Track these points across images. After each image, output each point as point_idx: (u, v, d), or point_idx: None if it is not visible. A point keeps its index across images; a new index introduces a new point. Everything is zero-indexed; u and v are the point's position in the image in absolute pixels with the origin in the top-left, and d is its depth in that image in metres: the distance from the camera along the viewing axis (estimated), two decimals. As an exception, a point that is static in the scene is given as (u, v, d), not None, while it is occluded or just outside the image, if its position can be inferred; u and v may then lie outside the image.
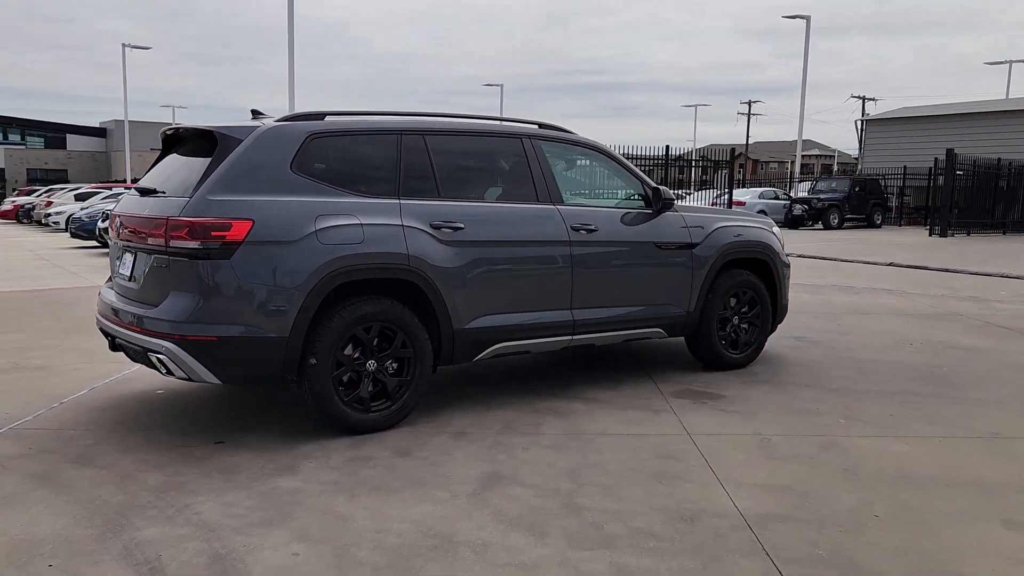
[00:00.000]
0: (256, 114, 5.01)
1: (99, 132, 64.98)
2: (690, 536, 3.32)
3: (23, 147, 61.43)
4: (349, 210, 4.51)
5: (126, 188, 21.98)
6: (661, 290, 5.73)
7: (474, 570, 3.02)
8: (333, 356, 4.45)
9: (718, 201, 29.56)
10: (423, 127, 4.96)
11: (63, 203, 27.85)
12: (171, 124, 4.97)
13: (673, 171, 19.51)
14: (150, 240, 4.37)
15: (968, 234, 24.42)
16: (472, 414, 5.00)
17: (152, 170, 4.96)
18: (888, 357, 6.72)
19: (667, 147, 18.35)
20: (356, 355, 4.56)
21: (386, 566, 3.05)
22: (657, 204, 5.68)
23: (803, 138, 34.21)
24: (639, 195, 5.80)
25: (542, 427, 4.77)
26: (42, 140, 64.53)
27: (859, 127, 35.76)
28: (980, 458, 4.27)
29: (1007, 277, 12.87)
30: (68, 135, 63.96)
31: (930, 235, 24.36)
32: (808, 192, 30.81)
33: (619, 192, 6.00)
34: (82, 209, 21.59)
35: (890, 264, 14.61)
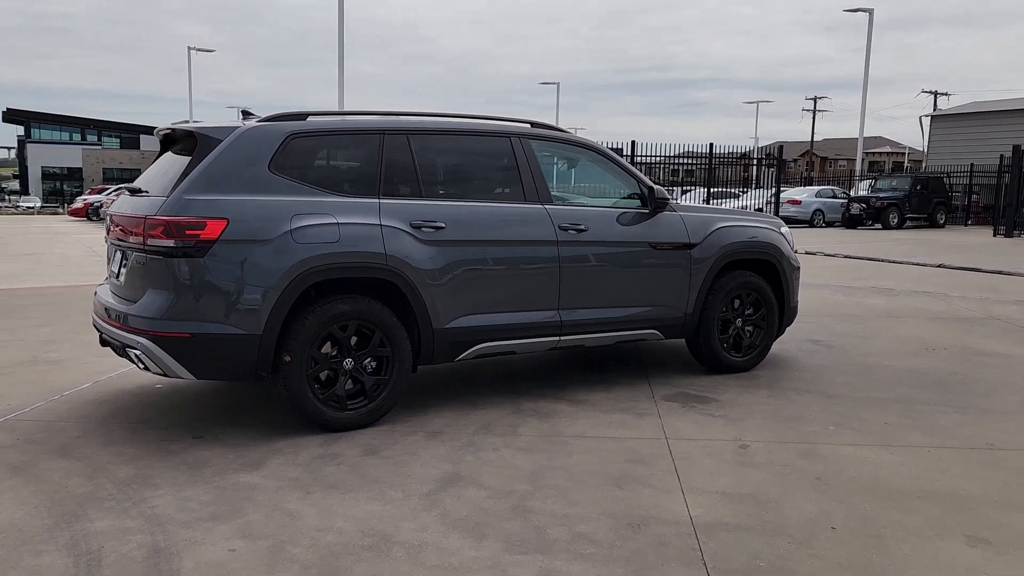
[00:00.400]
0: (246, 114, 5.09)
1: (170, 133, 66.79)
2: (631, 543, 3.26)
3: (99, 147, 63.73)
4: (325, 209, 4.54)
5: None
6: (656, 291, 5.64)
7: (401, 571, 3.02)
8: (308, 354, 4.49)
9: (773, 200, 29.02)
10: (406, 127, 4.97)
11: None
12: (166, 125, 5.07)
13: (721, 170, 19.13)
14: (131, 239, 4.48)
15: (1035, 235, 23.44)
16: (454, 414, 5.00)
17: (147, 170, 5.08)
18: (904, 363, 6.49)
19: (711, 145, 18.06)
20: (333, 353, 4.60)
21: (316, 564, 3.06)
22: (652, 204, 5.59)
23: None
24: (636, 195, 5.71)
25: (520, 428, 4.74)
26: (117, 140, 66.96)
27: (924, 123, 34.61)
28: (965, 470, 4.09)
29: (1062, 280, 12.30)
30: (142, 136, 66.10)
31: (994, 235, 23.46)
32: (868, 190, 29.98)
33: (620, 192, 5.91)
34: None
35: (939, 266, 14.12)
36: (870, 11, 31.68)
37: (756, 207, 26.37)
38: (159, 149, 5.26)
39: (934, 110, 47.85)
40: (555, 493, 3.77)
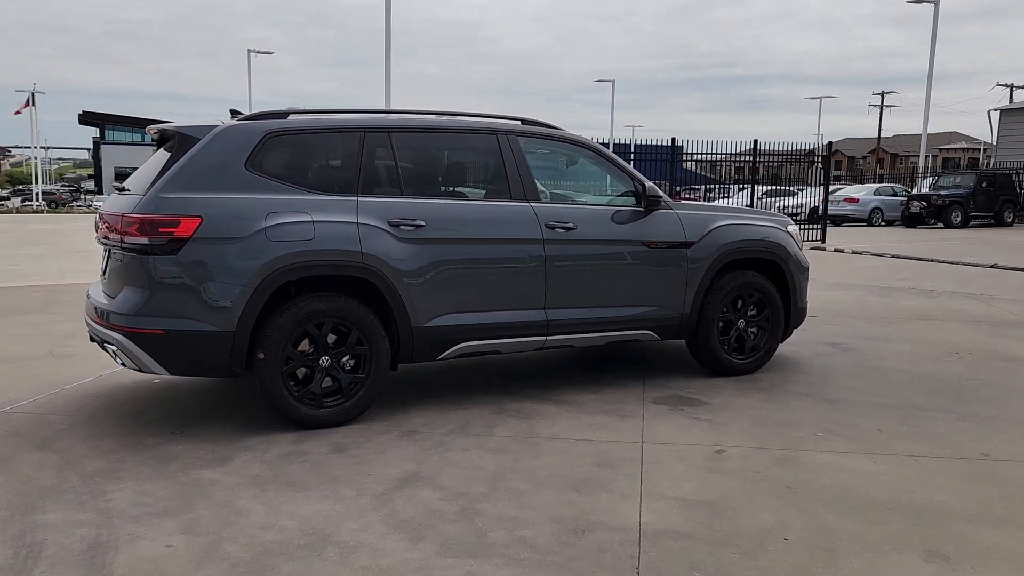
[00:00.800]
0: (235, 113, 5.14)
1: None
2: (569, 549, 3.18)
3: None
4: (301, 207, 4.56)
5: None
6: (650, 291, 5.52)
7: (328, 571, 3.00)
8: (283, 351, 4.51)
9: (829, 198, 28.22)
10: (389, 125, 4.96)
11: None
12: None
13: (768, 168, 18.65)
14: (111, 236, 4.56)
15: (1108, 234, 22.34)
16: (434, 413, 4.97)
17: (137, 169, 5.17)
18: (921, 368, 6.23)
19: (755, 141, 17.62)
20: (309, 351, 4.61)
21: (246, 562, 3.06)
22: (644, 201, 5.47)
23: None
24: (631, 192, 5.60)
25: (496, 429, 4.68)
26: (187, 141, 68.59)
27: (992, 117, 33.31)
28: (948, 481, 3.90)
29: (1121, 282, 11.68)
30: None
31: (1063, 235, 22.42)
32: (930, 188, 28.96)
33: (617, 190, 5.80)
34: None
35: (992, 266, 13.54)
36: (935, 2, 30.57)
37: (812, 205, 25.77)
38: (155, 148, 5.35)
39: (1011, 103, 45.98)
40: (510, 496, 3.70)
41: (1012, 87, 56.24)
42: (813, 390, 5.55)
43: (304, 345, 4.62)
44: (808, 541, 3.25)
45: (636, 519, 3.45)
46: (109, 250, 4.78)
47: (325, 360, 4.63)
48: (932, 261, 14.52)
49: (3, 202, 47.67)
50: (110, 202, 4.91)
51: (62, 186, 74.54)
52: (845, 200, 28.40)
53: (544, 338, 5.22)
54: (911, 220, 26.57)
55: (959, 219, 26.24)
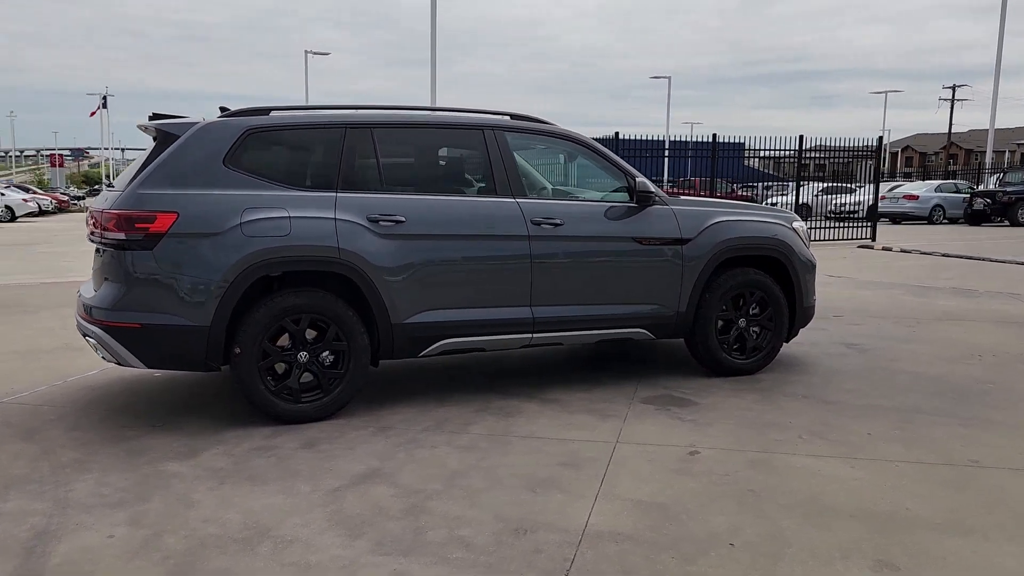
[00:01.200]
0: (223, 110, 5.19)
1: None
2: (505, 550, 3.11)
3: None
4: (278, 203, 4.57)
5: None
6: (643, 288, 5.40)
7: (255, 567, 2.99)
8: (259, 346, 4.54)
9: (888, 195, 27.42)
10: (371, 120, 4.95)
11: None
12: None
13: (816, 164, 18.19)
14: (95, 232, 4.65)
15: None
16: (416, 410, 4.94)
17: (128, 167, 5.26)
18: (936, 370, 5.97)
19: (800, 137, 17.16)
20: (287, 346, 4.63)
21: (177, 555, 3.08)
22: (634, 197, 5.36)
23: None
24: (625, 188, 5.49)
25: (473, 426, 4.64)
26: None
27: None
28: (924, 488, 3.71)
29: None
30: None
31: None
32: (996, 184, 27.88)
33: (612, 185, 5.69)
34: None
35: (1047, 265, 12.95)
36: (1003, -9, 29.45)
37: (870, 203, 25.04)
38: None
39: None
40: (463, 494, 3.66)
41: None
42: (812, 391, 5.36)
43: (284, 340, 4.65)
44: (754, 547, 3.13)
45: (583, 521, 3.37)
46: (96, 245, 4.87)
47: (303, 355, 4.64)
48: (983, 260, 13.97)
49: (78, 201, 49.42)
50: (99, 199, 5.01)
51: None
52: (904, 197, 27.52)
53: (530, 336, 5.15)
54: (974, 218, 25.65)
55: (1025, 217, 25.21)
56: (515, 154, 6.00)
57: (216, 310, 4.42)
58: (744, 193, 28.77)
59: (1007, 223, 25.33)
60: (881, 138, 17.62)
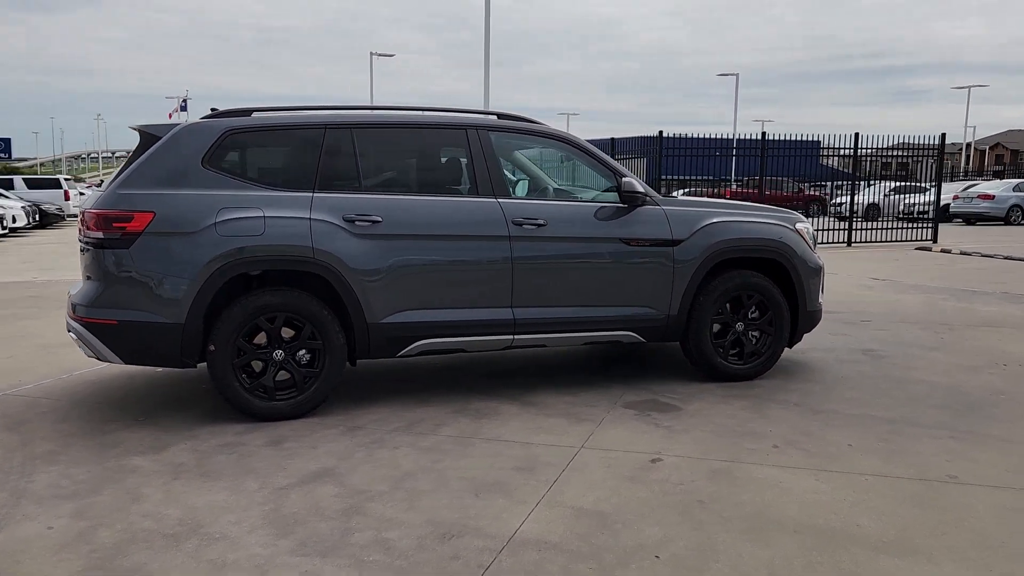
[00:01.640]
0: (213, 111, 5.28)
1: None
2: (424, 554, 3.08)
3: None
4: (253, 203, 4.63)
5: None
6: (631, 290, 5.29)
7: (172, 562, 3.02)
8: (234, 344, 4.60)
9: (961, 194, 26.33)
10: (351, 121, 4.97)
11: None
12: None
13: (870, 163, 17.55)
14: (81, 231, 4.78)
15: None
16: (392, 409, 4.94)
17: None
18: (949, 379, 5.69)
19: (856, 135, 16.58)
20: (264, 344, 4.68)
21: (105, 548, 3.13)
22: (620, 197, 5.25)
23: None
24: (614, 188, 5.38)
25: (443, 428, 4.61)
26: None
27: None
28: (886, 504, 3.53)
29: None
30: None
31: None
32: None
33: (603, 185, 5.59)
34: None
35: (1115, 269, 12.23)
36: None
37: (943, 203, 24.05)
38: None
39: None
40: (406, 497, 3.63)
41: None
42: (807, 399, 5.17)
43: (261, 338, 4.70)
44: (680, 560, 3.02)
45: (515, 527, 3.31)
46: None
47: (279, 354, 4.69)
48: (1046, 263, 13.27)
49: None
50: (87, 199, 5.15)
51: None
52: (979, 197, 26.39)
53: (511, 337, 5.10)
54: (1053, 219, 24.41)
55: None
56: (521, 154, 5.98)
57: (190, 308, 4.49)
58: (813, 192, 28.02)
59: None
60: (944, 135, 16.91)
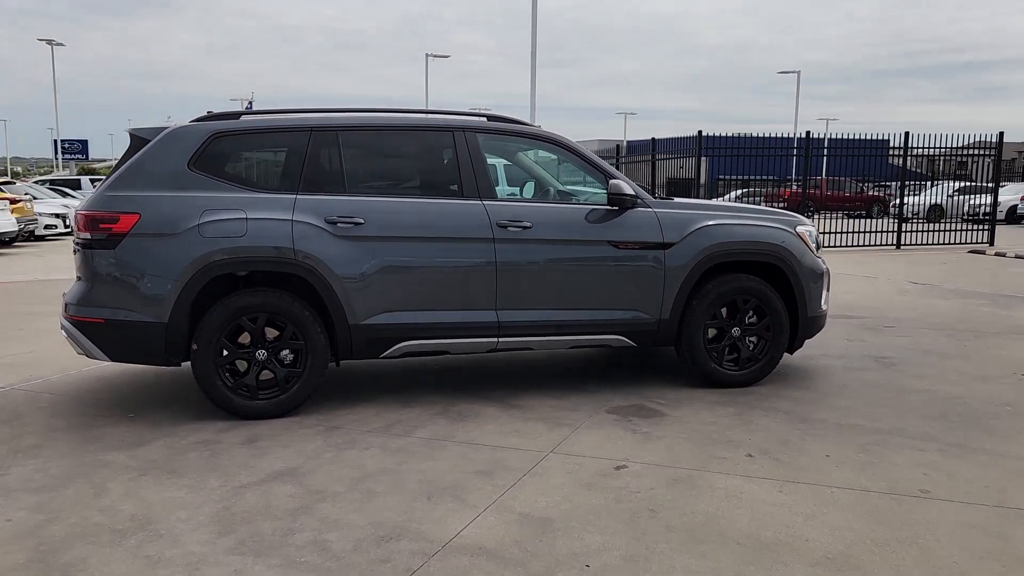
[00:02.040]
0: (209, 114, 5.38)
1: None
2: (356, 556, 3.09)
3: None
4: (237, 205, 4.71)
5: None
6: (620, 294, 5.22)
7: (110, 557, 3.09)
8: (217, 343, 4.69)
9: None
10: (337, 124, 5.01)
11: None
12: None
13: (919, 161, 16.98)
14: (74, 232, 4.93)
15: None
16: (376, 410, 4.98)
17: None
18: (958, 389, 5.47)
19: (906, 134, 16.07)
20: (247, 344, 4.76)
21: (52, 542, 3.21)
22: (608, 199, 5.18)
23: None
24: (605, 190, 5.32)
25: (419, 430, 4.62)
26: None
27: None
28: (842, 518, 3.41)
29: None
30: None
31: None
32: None
33: (595, 186, 5.54)
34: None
35: None
36: None
37: (1011, 204, 23.18)
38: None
39: None
40: (359, 498, 3.65)
41: None
42: (798, 407, 5.03)
43: (244, 338, 4.78)
44: (609, 570, 2.97)
45: (456, 532, 3.30)
46: None
47: (261, 353, 4.76)
48: (1103, 268, 12.67)
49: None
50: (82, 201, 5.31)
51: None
52: None
53: (496, 340, 5.08)
54: None
55: None
56: (525, 156, 5.96)
57: (173, 307, 4.59)
58: (875, 193, 27.25)
59: None
60: (1002, 133, 16.27)
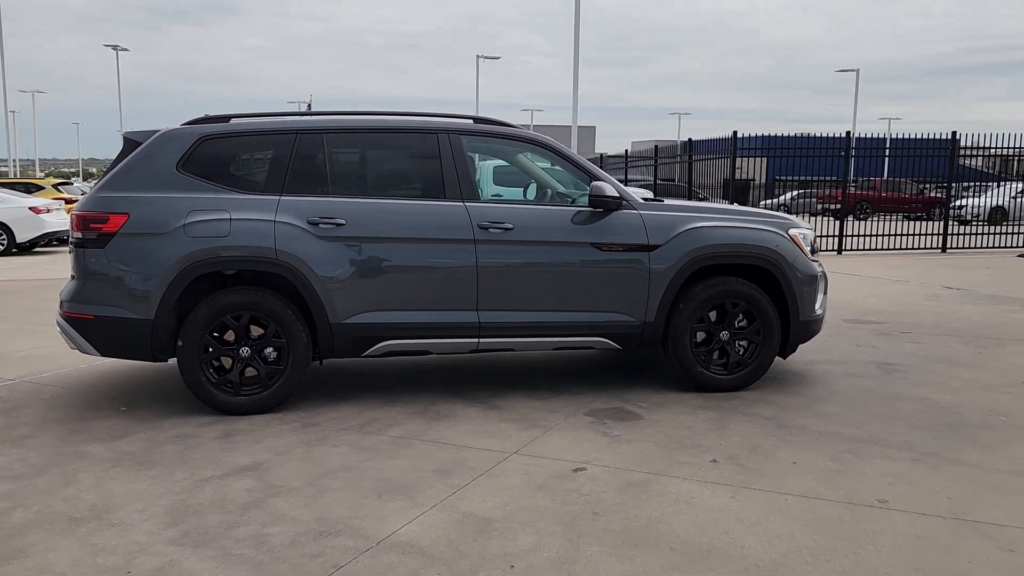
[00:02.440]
0: (204, 117, 5.52)
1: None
2: (289, 551, 3.16)
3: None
4: (222, 206, 4.83)
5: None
6: (603, 296, 5.21)
7: (58, 544, 3.21)
8: (201, 340, 4.82)
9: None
10: (323, 126, 5.11)
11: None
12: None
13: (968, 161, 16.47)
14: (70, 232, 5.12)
15: None
16: (357, 408, 5.06)
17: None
18: (957, 399, 5.32)
19: (954, 133, 15.58)
20: (231, 341, 4.89)
21: (10, 528, 3.36)
22: (590, 201, 5.17)
23: None
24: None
25: (392, 428, 4.68)
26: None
27: None
28: (788, 527, 3.36)
29: None
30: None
31: None
32: None
33: (581, 188, 5.53)
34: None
35: None
36: None
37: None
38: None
39: None
40: (312, 493, 3.73)
41: None
42: (780, 413, 4.95)
43: (229, 335, 4.91)
44: (533, 571, 2.98)
45: (394, 529, 3.34)
46: None
47: (245, 350, 4.88)
48: None
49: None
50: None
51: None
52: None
53: (477, 340, 5.12)
54: None
55: None
56: (525, 157, 5.99)
57: (159, 305, 4.74)
58: (935, 195, 26.53)
59: None
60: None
